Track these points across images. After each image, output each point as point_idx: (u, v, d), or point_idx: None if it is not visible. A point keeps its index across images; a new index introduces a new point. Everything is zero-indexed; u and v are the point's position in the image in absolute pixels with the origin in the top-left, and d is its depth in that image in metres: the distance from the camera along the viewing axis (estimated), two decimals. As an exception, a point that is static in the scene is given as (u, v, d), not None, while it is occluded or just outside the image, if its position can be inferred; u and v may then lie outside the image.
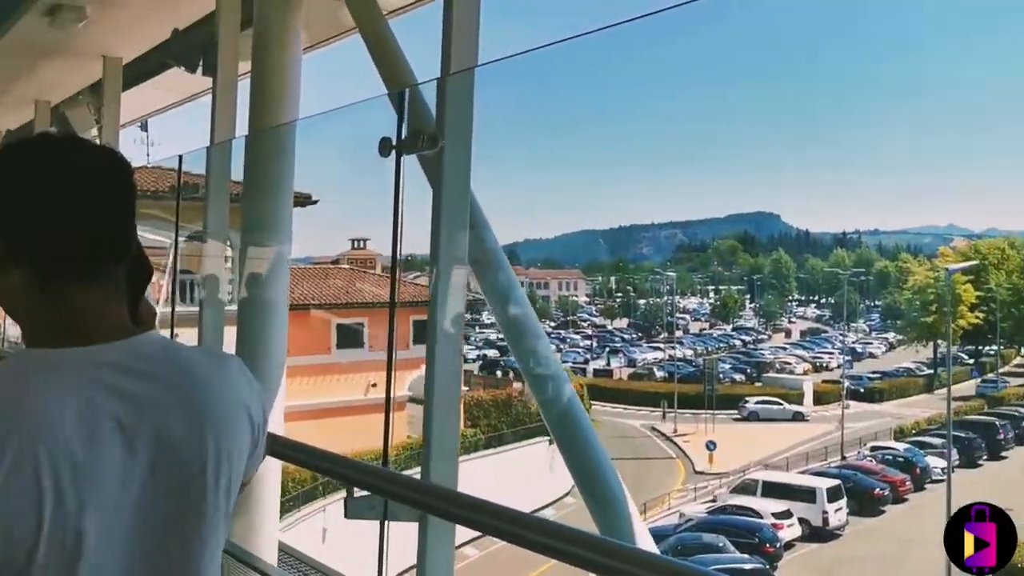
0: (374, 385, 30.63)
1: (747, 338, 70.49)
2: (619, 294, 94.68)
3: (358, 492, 2.86)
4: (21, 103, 8.01)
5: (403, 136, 2.80)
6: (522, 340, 3.37)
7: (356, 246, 53.68)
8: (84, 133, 6.65)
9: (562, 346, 63.82)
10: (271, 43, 4.44)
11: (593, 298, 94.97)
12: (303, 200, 26.88)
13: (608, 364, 61.01)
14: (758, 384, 52.60)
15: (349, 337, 31.74)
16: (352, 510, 2.86)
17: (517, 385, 41.72)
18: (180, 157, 4.35)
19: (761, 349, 64.84)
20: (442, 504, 2.61)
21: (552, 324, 76.04)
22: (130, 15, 5.38)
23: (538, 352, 3.38)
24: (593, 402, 43.24)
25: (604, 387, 50.63)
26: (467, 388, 36.29)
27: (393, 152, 2.97)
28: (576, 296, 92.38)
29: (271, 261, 4.49)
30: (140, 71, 6.46)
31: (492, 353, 54.31)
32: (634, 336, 72.83)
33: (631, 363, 61.27)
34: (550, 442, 34.48)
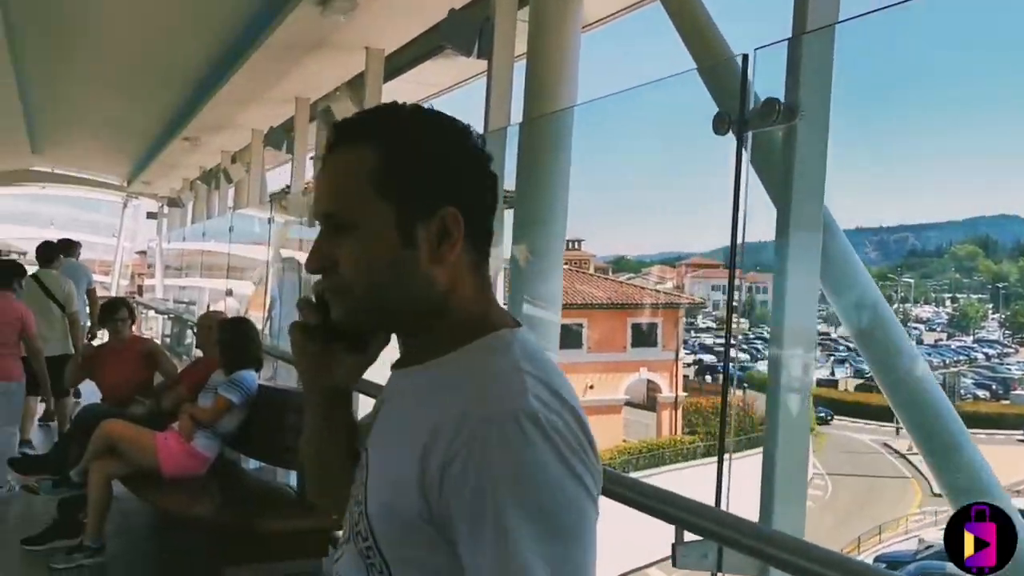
0: (591, 387, 30.47)
1: (991, 351, 64.54)
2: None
3: (688, 536, 2.35)
4: (283, 101, 8.23)
5: (748, 109, 2.31)
6: (875, 351, 2.82)
7: (571, 247, 54.04)
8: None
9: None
10: (549, 22, 4.10)
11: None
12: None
13: (832, 374, 57.87)
14: (1004, 401, 48.07)
15: (568, 338, 31.74)
16: (682, 558, 2.36)
17: (738, 392, 40.27)
18: (482, 136, 4.05)
19: (1008, 364, 59.23)
20: (791, 557, 2.08)
21: (769, 330, 73.15)
22: (398, 4, 5.23)
23: (900, 366, 2.80)
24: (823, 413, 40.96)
25: (829, 398, 47.89)
26: (685, 394, 35.37)
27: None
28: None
29: (545, 256, 4.14)
30: (399, 63, 6.37)
31: (708, 358, 53.06)
32: (861, 345, 68.66)
33: (858, 373, 57.86)
34: (773, 452, 33.06)
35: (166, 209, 18.91)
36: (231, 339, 5.27)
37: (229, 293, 12.06)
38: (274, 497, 5.09)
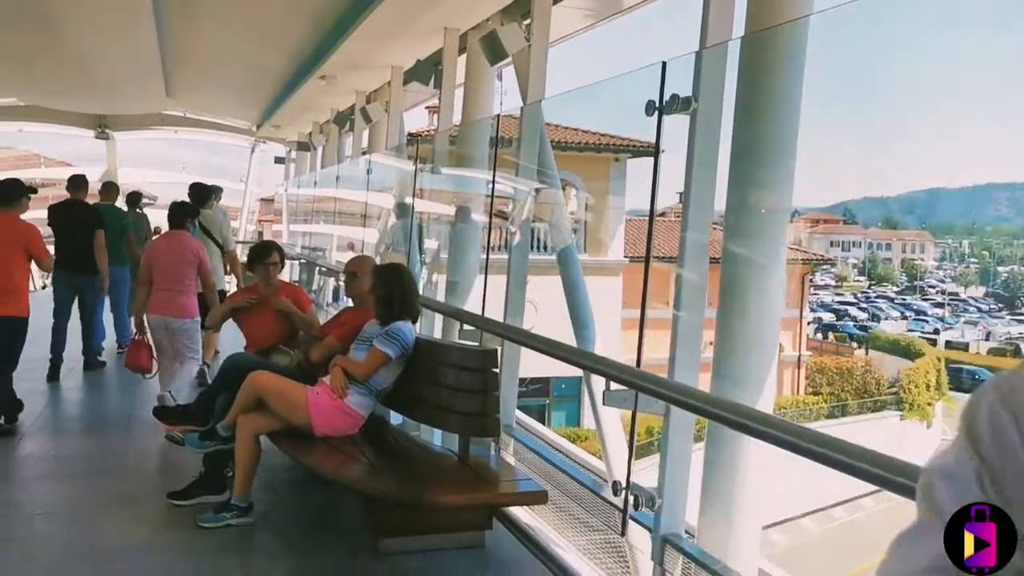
0: (711, 344, 29.65)
1: None
2: (974, 259, 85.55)
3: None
4: (428, 32, 7.71)
5: None
6: None
7: (683, 199, 52.94)
8: (512, 53, 6.06)
9: (906, 313, 58.97)
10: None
11: (941, 262, 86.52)
12: (651, 150, 26.08)
13: (963, 336, 55.34)
14: None
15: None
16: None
17: (859, 352, 38.69)
18: (664, 64, 3.43)
19: None
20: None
21: (895, 289, 70.89)
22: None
23: None
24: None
25: (962, 361, 45.61)
26: (809, 353, 34.20)
27: None
28: (923, 260, 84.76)
29: (766, 203, 3.49)
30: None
31: (828, 316, 51.59)
32: (993, 307, 65.51)
33: (989, 336, 55.17)
34: (901, 417, 31.55)
35: (294, 154, 18.84)
36: (388, 288, 4.80)
37: (350, 247, 11.80)
38: (435, 461, 4.62)
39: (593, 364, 3.65)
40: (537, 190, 5.64)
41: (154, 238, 7.19)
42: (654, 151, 3.45)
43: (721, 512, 3.47)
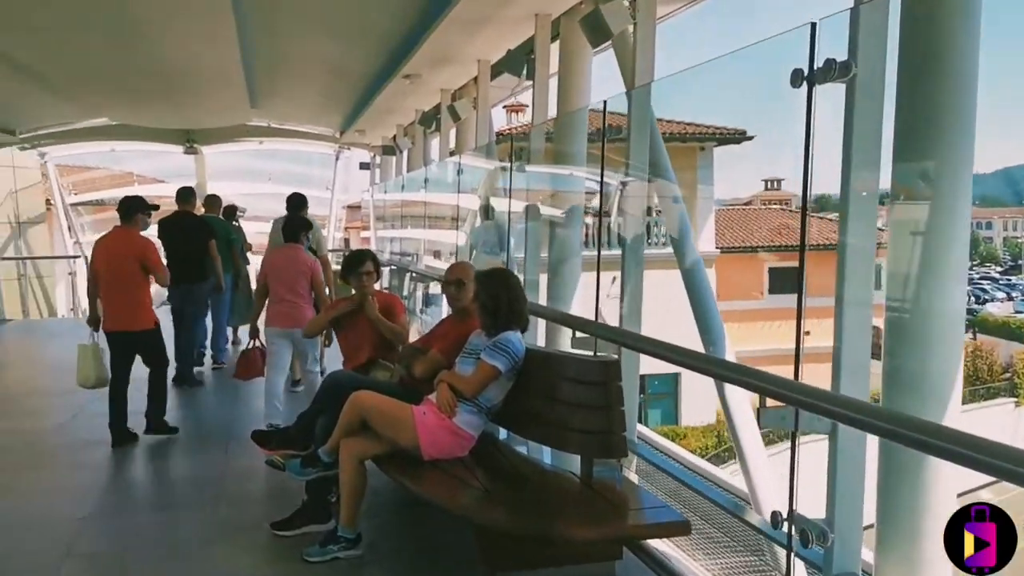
0: (808, 333, 28.68)
1: None
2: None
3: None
4: (519, 20, 7.33)
5: None
6: None
7: (769, 187, 51.50)
8: (617, 31, 5.60)
9: (1012, 293, 56.44)
10: None
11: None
12: (737, 137, 25.22)
13: (1067, 312, 52.67)
14: None
15: (783, 282, 29.77)
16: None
17: (966, 337, 36.90)
18: (814, 25, 2.92)
19: None
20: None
21: (999, 269, 68.03)
22: None
23: None
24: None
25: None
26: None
27: None
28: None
29: (943, 185, 2.97)
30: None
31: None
32: (1106, 286, 62.29)
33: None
34: (1016, 404, 29.88)
35: (378, 158, 18.70)
36: (494, 295, 4.40)
37: (436, 255, 11.55)
38: (556, 486, 4.19)
39: (746, 379, 3.16)
40: (648, 182, 5.18)
41: (271, 251, 7.30)
42: (805, 128, 2.95)
43: (905, 546, 2.96)
